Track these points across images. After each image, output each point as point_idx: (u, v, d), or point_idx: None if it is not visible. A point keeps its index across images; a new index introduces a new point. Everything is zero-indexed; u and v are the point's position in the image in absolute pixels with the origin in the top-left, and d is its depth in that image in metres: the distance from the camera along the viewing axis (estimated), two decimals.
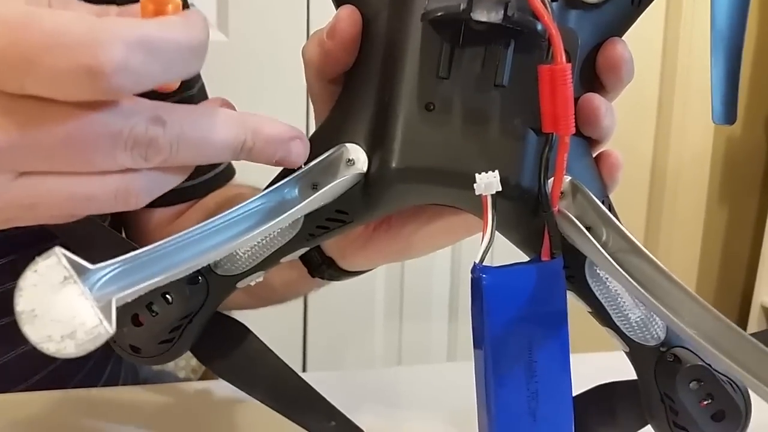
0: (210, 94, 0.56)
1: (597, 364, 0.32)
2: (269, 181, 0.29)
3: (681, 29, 1.07)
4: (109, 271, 0.20)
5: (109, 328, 0.19)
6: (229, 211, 0.24)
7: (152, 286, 0.21)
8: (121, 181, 0.21)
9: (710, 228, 1.19)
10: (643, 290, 0.24)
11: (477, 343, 0.25)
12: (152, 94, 0.22)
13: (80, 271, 0.19)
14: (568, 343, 0.25)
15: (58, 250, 0.19)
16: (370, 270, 0.38)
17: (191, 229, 0.23)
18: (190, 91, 0.53)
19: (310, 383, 0.32)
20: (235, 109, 0.26)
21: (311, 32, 1.04)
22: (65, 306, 0.19)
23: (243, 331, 0.32)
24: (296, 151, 0.25)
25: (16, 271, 0.19)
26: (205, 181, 0.54)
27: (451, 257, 1.09)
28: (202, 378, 0.71)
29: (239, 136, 0.23)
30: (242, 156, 0.24)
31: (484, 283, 0.24)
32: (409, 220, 0.33)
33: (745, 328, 0.28)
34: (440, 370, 0.46)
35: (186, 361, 0.77)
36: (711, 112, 0.27)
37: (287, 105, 0.98)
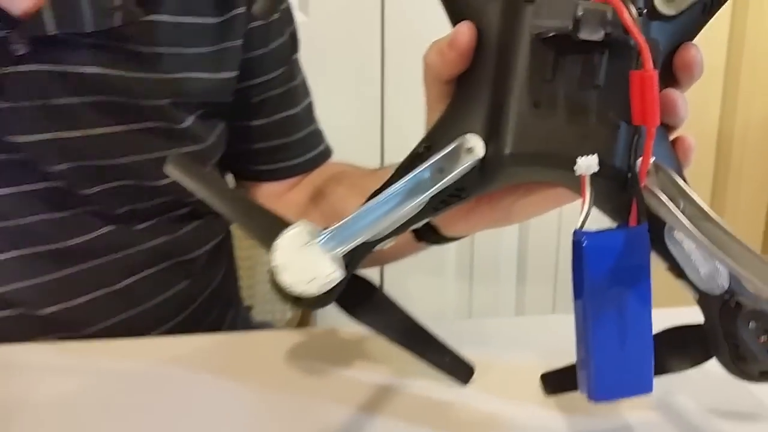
0: None
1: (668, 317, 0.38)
2: (399, 164, 0.36)
3: None
4: (329, 234, 0.28)
5: (340, 275, 0.27)
6: (389, 189, 0.31)
7: (358, 242, 0.29)
8: None
9: None
10: (712, 246, 0.30)
11: (577, 293, 0.31)
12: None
13: (315, 236, 0.27)
14: (650, 291, 0.31)
15: (302, 222, 0.27)
16: (468, 236, 0.44)
17: (371, 201, 0.30)
18: (294, 82, 0.60)
19: None
20: None
21: (385, 7, 1.10)
22: (308, 260, 0.26)
23: (373, 287, 0.39)
24: None
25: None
26: (309, 159, 0.61)
27: None
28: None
29: None
30: None
31: (584, 245, 0.30)
32: (508, 193, 0.39)
33: None
34: (509, 324, 0.52)
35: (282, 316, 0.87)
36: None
37: (363, 82, 1.04)
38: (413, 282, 1.15)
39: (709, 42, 1.09)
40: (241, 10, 0.52)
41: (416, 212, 0.34)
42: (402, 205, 0.31)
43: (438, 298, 1.19)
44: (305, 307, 0.37)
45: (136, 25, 0.47)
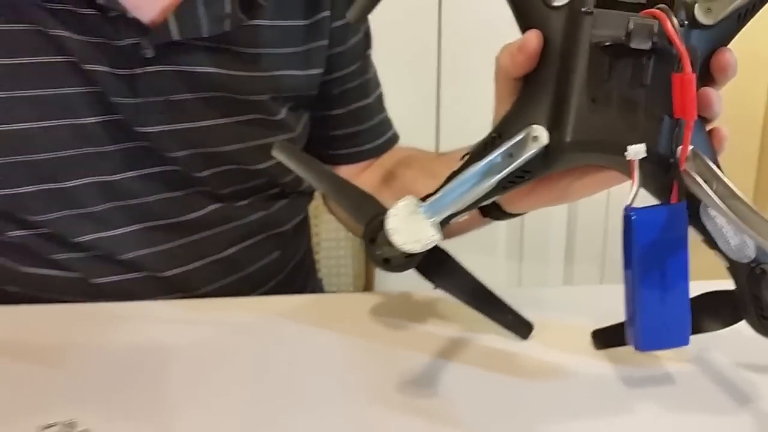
0: None
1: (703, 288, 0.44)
2: (472, 149, 0.42)
3: None
4: (427, 205, 0.36)
5: (439, 237, 0.35)
6: (468, 169, 0.38)
7: (447, 214, 0.37)
8: None
9: None
10: (738, 220, 0.35)
11: (626, 261, 0.37)
12: None
13: (419, 207, 0.34)
14: (687, 258, 0.37)
15: (410, 197, 0.34)
16: (527, 212, 0.51)
17: (453, 182, 0.38)
18: (367, 75, 0.67)
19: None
20: None
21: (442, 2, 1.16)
22: (415, 225, 0.34)
23: (446, 254, 0.46)
24: None
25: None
26: (380, 144, 0.68)
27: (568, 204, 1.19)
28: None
29: None
30: None
31: (633, 219, 0.36)
32: (566, 175, 0.44)
33: None
34: (559, 292, 0.58)
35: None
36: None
37: (420, 72, 1.11)
38: (465, 260, 1.21)
39: (757, 34, 1.12)
40: (326, 13, 0.59)
41: (488, 191, 0.41)
42: (479, 184, 0.38)
43: (489, 276, 1.24)
44: (392, 269, 0.44)
45: (242, 29, 0.54)
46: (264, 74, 0.56)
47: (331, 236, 1.00)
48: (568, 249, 1.25)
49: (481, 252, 1.22)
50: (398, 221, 0.36)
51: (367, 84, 0.66)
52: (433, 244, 0.36)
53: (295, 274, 0.67)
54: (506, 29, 0.41)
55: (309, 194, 0.70)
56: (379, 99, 0.68)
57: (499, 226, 1.22)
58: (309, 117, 0.64)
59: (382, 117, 0.69)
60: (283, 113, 0.59)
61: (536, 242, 1.23)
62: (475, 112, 1.15)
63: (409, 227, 0.36)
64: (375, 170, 0.67)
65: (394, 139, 0.70)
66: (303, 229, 0.70)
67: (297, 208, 0.67)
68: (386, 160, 0.68)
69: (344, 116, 0.66)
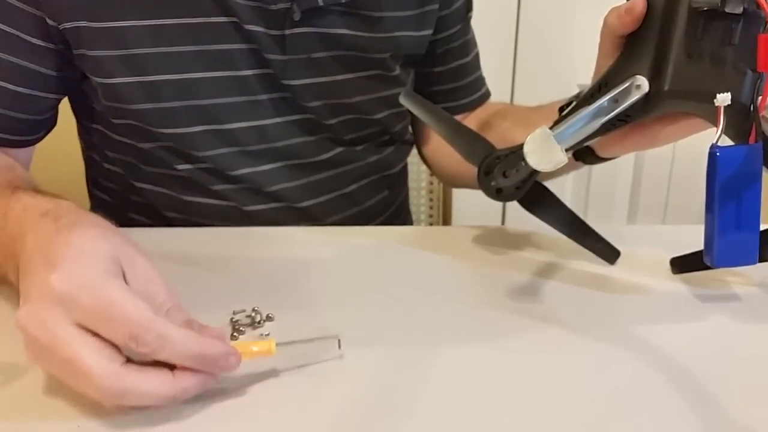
0: None
1: None
2: (579, 98, 0.50)
3: None
4: (555, 135, 0.45)
5: (566, 161, 0.43)
6: (582, 110, 0.46)
7: (568, 145, 0.45)
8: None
9: None
10: None
11: (709, 191, 0.45)
12: None
13: (550, 135, 0.43)
14: (760, 191, 0.45)
15: (544, 127, 0.43)
16: (617, 157, 0.58)
17: (573, 118, 0.46)
18: (467, 36, 0.75)
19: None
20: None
21: None
22: (548, 149, 0.42)
23: (545, 189, 0.55)
24: (233, 363, 0.38)
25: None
26: (475, 98, 0.77)
27: (635, 160, 1.25)
28: None
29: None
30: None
31: (718, 155, 0.44)
32: (656, 122, 0.51)
33: None
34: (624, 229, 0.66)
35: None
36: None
37: (498, 32, 1.17)
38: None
39: None
40: None
41: (594, 130, 0.49)
42: (589, 124, 0.46)
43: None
44: (503, 199, 0.53)
45: None
46: (385, 35, 0.65)
47: (413, 185, 1.10)
48: (631, 209, 1.31)
49: None
50: (535, 145, 0.45)
51: (467, 44, 0.74)
52: (561, 165, 0.45)
53: (399, 211, 0.77)
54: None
55: (411, 143, 0.79)
56: (476, 58, 0.76)
57: (565, 186, 1.29)
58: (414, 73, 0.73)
59: (478, 74, 0.77)
60: (397, 70, 0.68)
61: (601, 202, 1.30)
62: (549, 72, 1.21)
63: (543, 151, 0.45)
64: (470, 122, 0.76)
65: (487, 94, 0.78)
66: (404, 173, 0.79)
67: (401, 154, 0.76)
68: (480, 112, 0.76)
69: (445, 73, 0.74)
